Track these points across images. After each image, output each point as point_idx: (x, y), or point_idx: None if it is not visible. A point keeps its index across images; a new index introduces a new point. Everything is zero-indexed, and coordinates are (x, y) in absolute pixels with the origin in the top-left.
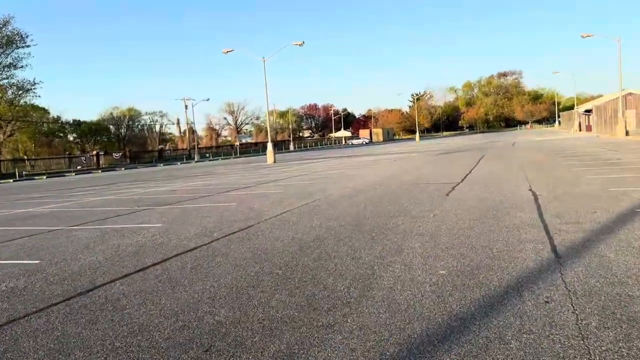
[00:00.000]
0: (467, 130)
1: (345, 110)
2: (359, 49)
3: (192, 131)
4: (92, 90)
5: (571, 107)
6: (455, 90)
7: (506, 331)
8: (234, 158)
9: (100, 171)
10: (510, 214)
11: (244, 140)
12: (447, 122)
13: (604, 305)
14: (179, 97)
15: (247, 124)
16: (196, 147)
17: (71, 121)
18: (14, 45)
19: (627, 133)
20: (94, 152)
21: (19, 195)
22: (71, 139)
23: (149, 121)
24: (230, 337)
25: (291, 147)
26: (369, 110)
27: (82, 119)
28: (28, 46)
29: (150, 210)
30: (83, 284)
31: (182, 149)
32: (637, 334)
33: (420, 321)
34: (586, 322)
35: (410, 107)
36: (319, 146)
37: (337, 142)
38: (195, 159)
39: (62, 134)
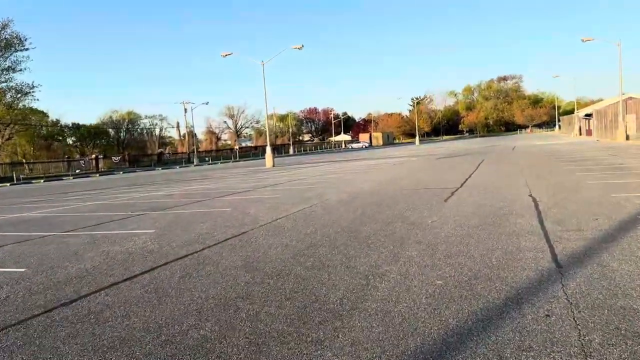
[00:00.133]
0: (467, 134)
1: (345, 114)
2: (360, 53)
3: (192, 135)
4: (91, 93)
5: (571, 111)
6: (456, 94)
7: (505, 348)
8: (233, 162)
9: (98, 175)
10: (510, 221)
11: (244, 144)
12: (447, 126)
13: (608, 319)
14: (178, 101)
15: (247, 127)
16: (195, 150)
17: (70, 124)
18: (13, 49)
19: (627, 137)
20: (93, 156)
21: (14, 199)
22: (70, 142)
23: (148, 125)
24: (214, 354)
25: (291, 151)
26: (369, 114)
27: (81, 123)
28: (27, 49)
29: (144, 215)
30: (67, 294)
31: (182, 153)
32: None
33: (414, 336)
34: (589, 338)
35: (410, 111)
36: (319, 150)
37: (337, 145)
38: (194, 163)
39: (61, 138)
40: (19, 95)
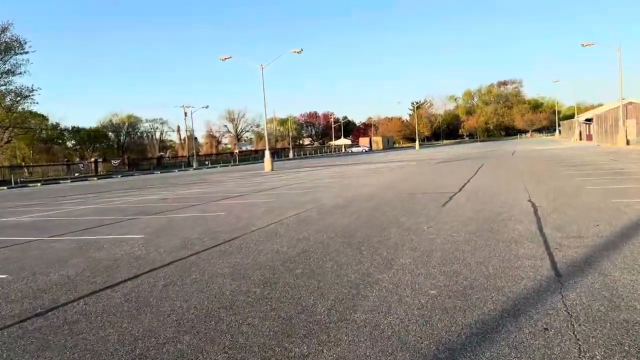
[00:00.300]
0: (467, 138)
1: (345, 118)
2: (360, 57)
3: (192, 138)
4: (91, 97)
5: (571, 116)
6: (456, 99)
7: None
8: (232, 165)
9: (96, 178)
10: (508, 227)
11: (244, 148)
12: (447, 130)
13: (610, 333)
14: (178, 105)
15: (248, 131)
16: (195, 154)
17: (70, 128)
18: (13, 52)
19: (627, 142)
20: (92, 159)
21: (8, 203)
22: (70, 145)
23: (149, 128)
24: None
25: (291, 155)
26: (369, 118)
27: (81, 126)
28: (27, 53)
29: (135, 219)
30: (44, 303)
31: (182, 157)
32: None
33: (403, 352)
34: (590, 354)
35: (410, 115)
36: (319, 154)
37: (337, 150)
38: (194, 167)
39: (60, 141)
40: (19, 98)
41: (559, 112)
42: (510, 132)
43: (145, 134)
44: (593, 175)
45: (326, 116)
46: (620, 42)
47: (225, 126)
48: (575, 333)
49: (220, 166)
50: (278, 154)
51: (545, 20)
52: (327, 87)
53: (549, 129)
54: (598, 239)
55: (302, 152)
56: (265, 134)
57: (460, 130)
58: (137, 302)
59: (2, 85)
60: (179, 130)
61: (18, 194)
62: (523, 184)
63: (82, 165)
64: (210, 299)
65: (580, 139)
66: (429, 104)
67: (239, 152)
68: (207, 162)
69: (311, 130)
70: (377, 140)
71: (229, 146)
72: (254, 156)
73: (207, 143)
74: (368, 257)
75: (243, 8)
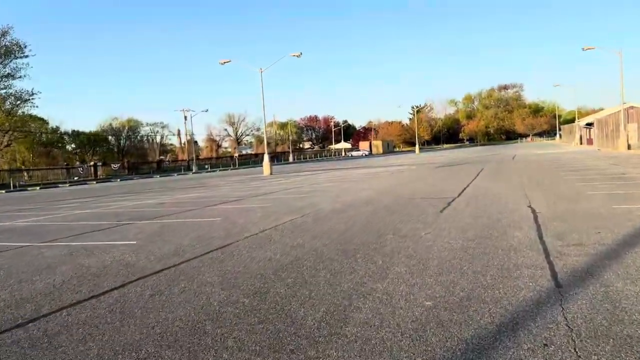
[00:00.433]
0: (468, 142)
1: (345, 122)
2: (360, 61)
3: (192, 142)
4: (92, 99)
5: (572, 120)
6: (456, 103)
7: None
8: (232, 169)
9: (95, 182)
10: (508, 234)
11: (244, 152)
12: (448, 134)
13: (613, 350)
14: (179, 109)
15: (248, 135)
16: (194, 158)
17: (70, 131)
18: (13, 56)
19: (629, 147)
20: (92, 163)
21: (5, 207)
22: (70, 149)
23: (149, 132)
24: None
25: (290, 159)
26: (369, 122)
27: (81, 130)
28: (27, 56)
29: (129, 225)
30: (26, 313)
31: (182, 160)
32: None
33: None
34: None
35: (410, 119)
36: (319, 158)
37: (337, 153)
38: (193, 170)
39: (60, 145)
40: (19, 102)
41: (559, 117)
42: (510, 136)
43: (145, 138)
44: (594, 180)
45: (326, 120)
46: (621, 46)
47: (226, 130)
48: (577, 349)
49: (220, 170)
50: (278, 157)
51: (546, 24)
52: (327, 90)
53: (550, 133)
54: (599, 247)
55: (302, 156)
56: (265, 138)
57: (460, 135)
58: (121, 313)
59: (2, 89)
60: (179, 134)
61: (16, 198)
62: (523, 189)
63: (81, 169)
64: (197, 310)
65: (581, 144)
66: (429, 108)
67: (239, 155)
68: (206, 166)
69: (311, 134)
70: (377, 144)
71: (229, 150)
72: (254, 160)
73: (207, 147)
74: (363, 265)
75: (243, 9)
